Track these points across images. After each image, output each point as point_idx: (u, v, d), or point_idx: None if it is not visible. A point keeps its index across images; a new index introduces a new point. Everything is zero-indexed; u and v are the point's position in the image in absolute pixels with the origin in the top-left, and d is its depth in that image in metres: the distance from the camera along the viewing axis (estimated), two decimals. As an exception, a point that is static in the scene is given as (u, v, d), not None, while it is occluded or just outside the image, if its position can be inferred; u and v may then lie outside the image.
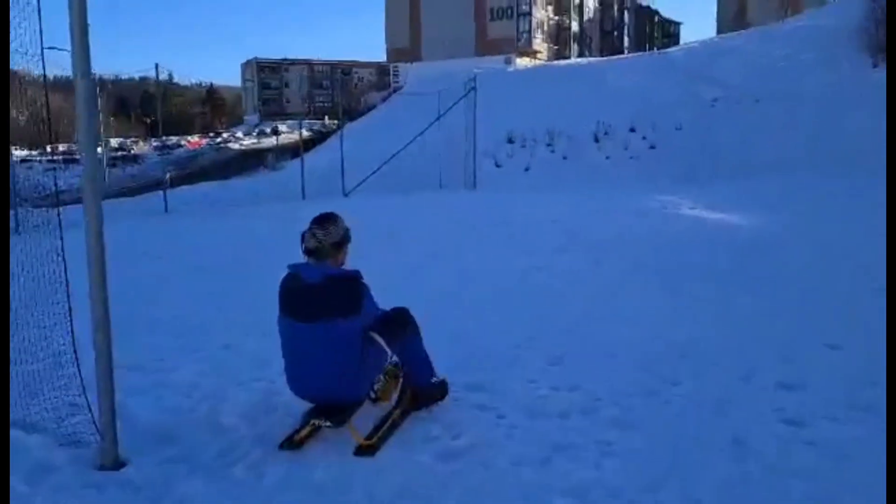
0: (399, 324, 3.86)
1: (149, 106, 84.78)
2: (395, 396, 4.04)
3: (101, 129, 73.08)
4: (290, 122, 70.80)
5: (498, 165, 25.29)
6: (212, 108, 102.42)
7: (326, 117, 66.75)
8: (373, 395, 4.00)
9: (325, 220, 3.68)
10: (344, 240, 3.71)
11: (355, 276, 3.62)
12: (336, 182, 20.83)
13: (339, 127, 28.49)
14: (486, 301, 6.75)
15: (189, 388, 4.51)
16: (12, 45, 3.26)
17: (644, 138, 25.92)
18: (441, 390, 4.08)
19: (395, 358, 3.99)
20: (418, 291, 5.96)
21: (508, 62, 43.64)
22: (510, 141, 26.98)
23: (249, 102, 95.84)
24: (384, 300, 3.93)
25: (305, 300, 3.52)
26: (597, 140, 26.23)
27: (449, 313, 5.97)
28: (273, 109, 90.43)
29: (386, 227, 11.87)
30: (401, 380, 4.16)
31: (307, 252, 3.62)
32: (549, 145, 26.51)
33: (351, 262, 3.84)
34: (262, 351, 4.82)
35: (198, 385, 4.56)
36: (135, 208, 19.11)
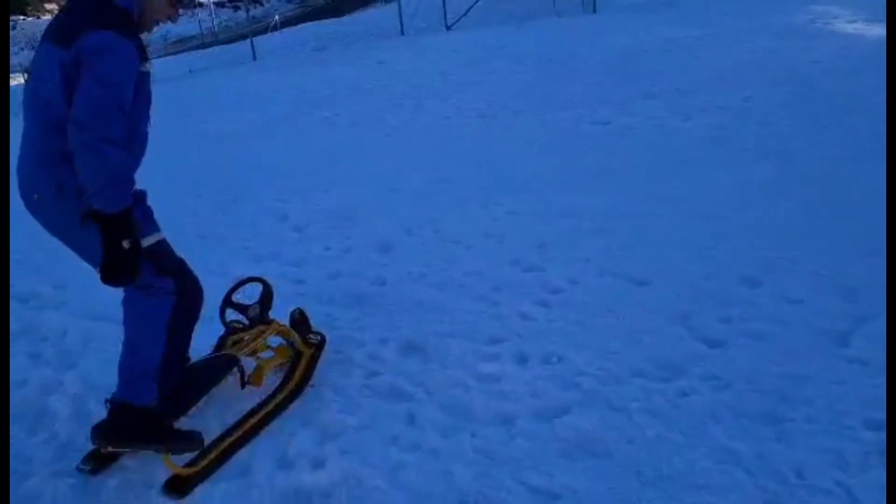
0: (178, 267, 2.45)
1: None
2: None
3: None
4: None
5: (624, -20, 21.80)
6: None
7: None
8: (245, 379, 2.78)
9: None
10: None
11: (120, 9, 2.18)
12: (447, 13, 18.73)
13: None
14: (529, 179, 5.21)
15: (55, 339, 3.44)
16: None
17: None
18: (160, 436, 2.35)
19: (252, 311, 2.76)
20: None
21: None
22: (641, -52, 23.10)
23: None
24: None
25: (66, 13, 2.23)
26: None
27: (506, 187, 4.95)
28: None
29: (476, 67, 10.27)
30: (289, 356, 2.91)
31: None
32: (687, -50, 22.44)
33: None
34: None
35: (66, 332, 3.48)
36: (230, 57, 18.33)
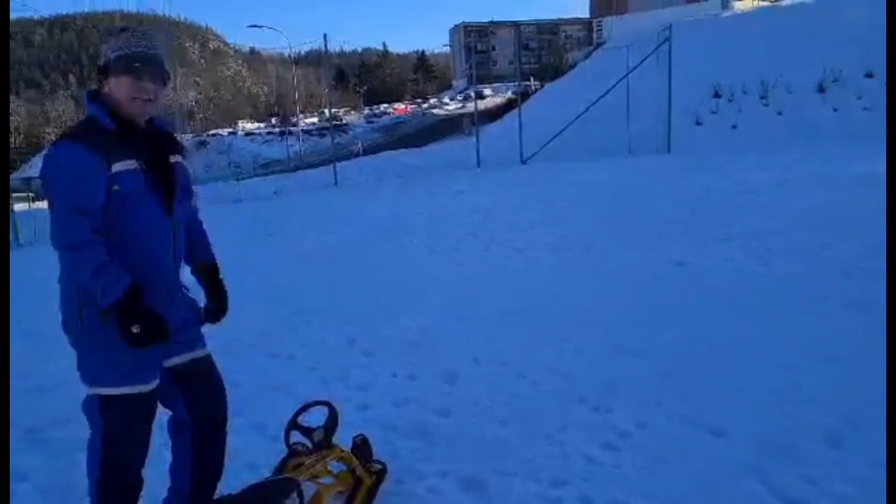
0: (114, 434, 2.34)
1: (365, 76, 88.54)
2: None
3: (321, 102, 78.05)
4: (495, 84, 71.14)
5: (699, 124, 22.21)
6: (423, 74, 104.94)
7: (532, 78, 65.45)
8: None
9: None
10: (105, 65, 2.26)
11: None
12: (522, 148, 19.47)
13: (520, 91, 27.04)
14: (610, 311, 5.16)
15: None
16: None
17: (884, 84, 21.44)
18: None
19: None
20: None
21: (726, 6, 38.83)
22: (716, 95, 23.64)
23: (458, 67, 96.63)
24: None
25: None
26: (822, 90, 22.08)
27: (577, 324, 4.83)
28: (481, 73, 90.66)
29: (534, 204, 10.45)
30: (349, 483, 2.87)
31: None
32: (762, 98, 22.78)
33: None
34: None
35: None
36: (313, 181, 19.23)
